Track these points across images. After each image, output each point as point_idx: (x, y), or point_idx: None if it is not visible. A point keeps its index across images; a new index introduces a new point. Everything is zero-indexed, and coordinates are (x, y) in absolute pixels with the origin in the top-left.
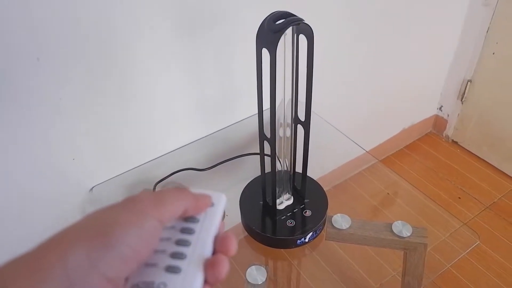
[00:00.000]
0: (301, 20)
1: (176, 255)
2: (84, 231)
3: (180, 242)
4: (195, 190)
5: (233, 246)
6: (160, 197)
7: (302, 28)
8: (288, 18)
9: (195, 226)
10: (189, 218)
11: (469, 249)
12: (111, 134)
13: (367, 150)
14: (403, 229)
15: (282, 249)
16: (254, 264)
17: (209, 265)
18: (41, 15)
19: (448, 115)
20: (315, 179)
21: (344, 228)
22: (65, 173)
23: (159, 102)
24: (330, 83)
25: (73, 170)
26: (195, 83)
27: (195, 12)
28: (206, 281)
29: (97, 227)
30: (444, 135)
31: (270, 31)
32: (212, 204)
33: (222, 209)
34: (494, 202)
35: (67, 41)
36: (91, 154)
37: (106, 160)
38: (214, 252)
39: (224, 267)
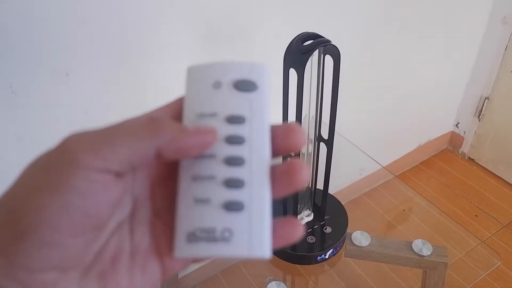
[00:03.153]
0: (329, 41)
1: (232, 183)
2: None
3: (231, 161)
4: (214, 61)
5: (301, 138)
6: (104, 134)
7: (329, 49)
8: (316, 40)
9: (243, 130)
10: (231, 118)
11: (490, 270)
12: None
13: (383, 166)
14: (423, 247)
15: (298, 265)
16: (274, 280)
17: (280, 175)
18: (70, 26)
19: (464, 132)
20: (331, 193)
21: (363, 245)
22: None
23: None
24: (347, 99)
25: None
26: None
27: (213, 29)
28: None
29: (8, 209)
30: (460, 152)
31: (298, 52)
32: (253, 87)
33: (268, 88)
34: (511, 221)
35: (94, 57)
36: None
37: None
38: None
39: (302, 170)
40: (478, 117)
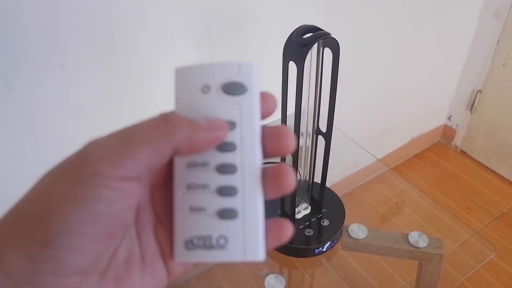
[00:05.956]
0: (328, 34)
1: (225, 191)
2: (19, 224)
3: (223, 168)
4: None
5: (291, 141)
6: (121, 141)
7: (328, 42)
8: (315, 32)
9: (234, 136)
10: None
11: (484, 262)
12: None
13: (378, 159)
14: (419, 239)
15: (293, 258)
16: (272, 273)
17: (269, 179)
18: (66, 24)
19: (457, 125)
20: (327, 186)
21: (360, 238)
22: None
23: None
24: (341, 92)
25: None
26: None
27: (210, 22)
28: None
29: (33, 217)
30: (452, 145)
31: (298, 45)
32: (243, 89)
33: (257, 88)
34: (503, 212)
35: (89, 50)
36: None
37: None
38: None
39: (290, 175)
40: (470, 110)
